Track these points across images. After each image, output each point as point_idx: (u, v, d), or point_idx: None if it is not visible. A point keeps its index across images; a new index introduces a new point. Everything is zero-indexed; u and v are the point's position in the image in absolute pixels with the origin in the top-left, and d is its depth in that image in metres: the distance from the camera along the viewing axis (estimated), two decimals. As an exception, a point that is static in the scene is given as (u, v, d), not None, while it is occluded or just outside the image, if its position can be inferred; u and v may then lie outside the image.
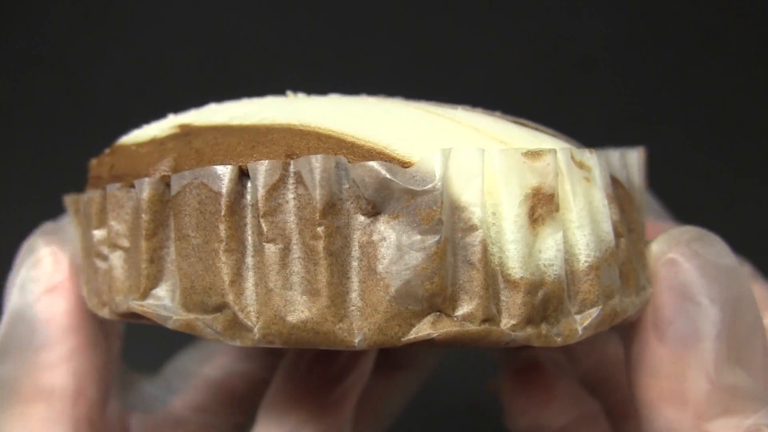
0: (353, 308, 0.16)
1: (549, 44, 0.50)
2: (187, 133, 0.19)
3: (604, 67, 0.49)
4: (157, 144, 0.19)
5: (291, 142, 0.17)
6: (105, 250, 0.19)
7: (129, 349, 0.26)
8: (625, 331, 0.20)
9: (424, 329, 0.16)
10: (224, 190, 0.17)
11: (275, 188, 0.17)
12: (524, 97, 0.48)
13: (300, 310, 0.16)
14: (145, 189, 0.18)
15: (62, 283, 0.20)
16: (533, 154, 0.17)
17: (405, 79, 0.48)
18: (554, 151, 0.17)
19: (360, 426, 0.25)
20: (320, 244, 0.16)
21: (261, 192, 0.17)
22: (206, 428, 0.26)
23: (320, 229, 0.16)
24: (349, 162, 0.16)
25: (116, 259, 0.19)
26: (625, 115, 0.48)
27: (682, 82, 0.49)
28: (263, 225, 0.17)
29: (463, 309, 0.16)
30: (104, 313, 0.19)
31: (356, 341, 0.16)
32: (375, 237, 0.16)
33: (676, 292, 0.18)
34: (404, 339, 0.16)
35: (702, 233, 0.19)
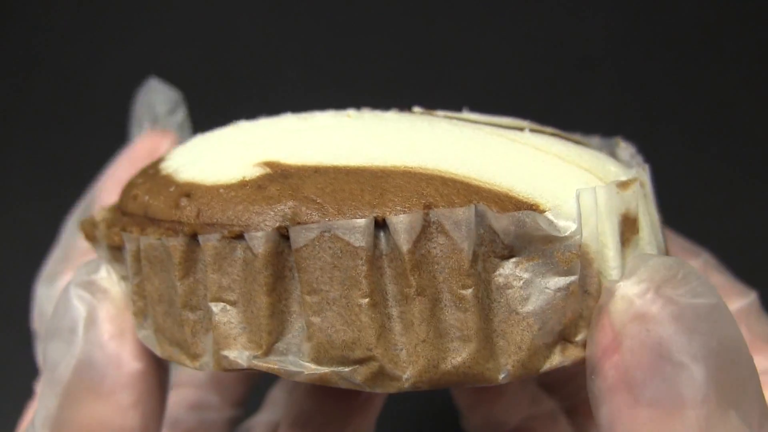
0: (498, 348, 0.17)
1: (549, 44, 0.50)
2: (284, 174, 0.18)
3: (604, 67, 0.49)
4: (253, 188, 0.18)
5: (419, 189, 0.17)
6: (200, 302, 0.18)
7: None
8: (591, 387, 0.17)
9: (556, 359, 0.18)
10: (365, 244, 0.17)
11: (419, 240, 0.17)
12: (524, 96, 0.48)
13: (453, 357, 0.17)
14: (262, 243, 0.17)
15: (130, 327, 0.20)
16: (624, 185, 0.18)
17: (406, 79, 0.48)
18: (637, 180, 0.19)
19: None
20: (470, 293, 0.17)
21: (406, 246, 0.17)
22: (200, 425, 0.26)
23: (470, 280, 0.17)
24: (486, 210, 0.17)
25: (224, 313, 0.18)
26: (625, 115, 0.48)
27: (682, 82, 0.49)
28: (411, 278, 0.17)
29: (581, 335, 0.18)
30: (195, 365, 0.18)
31: (501, 377, 0.17)
32: (512, 280, 0.17)
33: (652, 350, 0.16)
34: (541, 370, 0.17)
35: (672, 268, 0.16)
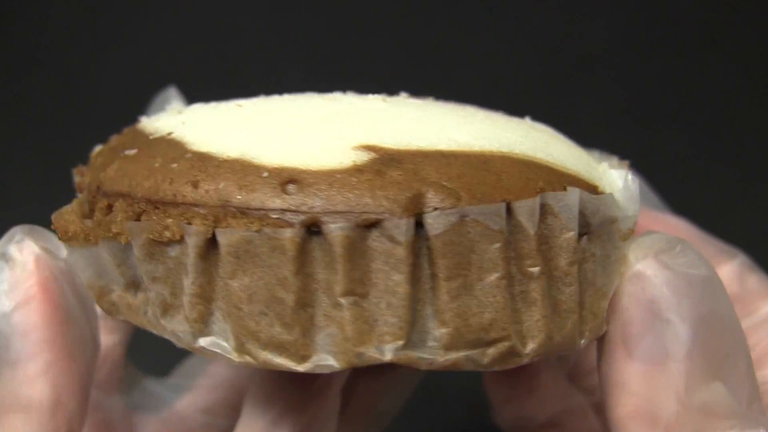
0: (582, 318, 0.19)
1: (549, 44, 0.50)
2: (393, 158, 0.18)
3: (604, 67, 0.49)
4: (372, 173, 0.17)
5: (524, 173, 0.18)
6: (314, 298, 0.17)
7: (138, 352, 0.26)
8: (597, 343, 0.19)
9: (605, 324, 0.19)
10: (503, 227, 0.17)
11: (539, 222, 0.18)
12: (524, 96, 0.48)
13: (561, 329, 0.18)
14: (403, 231, 0.17)
15: (38, 294, 0.19)
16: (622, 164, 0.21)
17: (405, 78, 0.48)
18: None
19: (356, 425, 0.25)
20: (574, 269, 0.18)
21: (533, 229, 0.18)
22: (212, 429, 0.26)
23: (575, 257, 0.18)
24: (582, 193, 0.18)
25: (355, 307, 0.17)
26: (625, 115, 0.48)
27: (682, 82, 0.49)
28: (536, 258, 0.18)
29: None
30: (303, 367, 0.17)
31: (581, 343, 0.19)
32: (588, 255, 0.19)
33: (645, 308, 0.18)
34: (600, 335, 0.19)
35: (673, 241, 0.18)
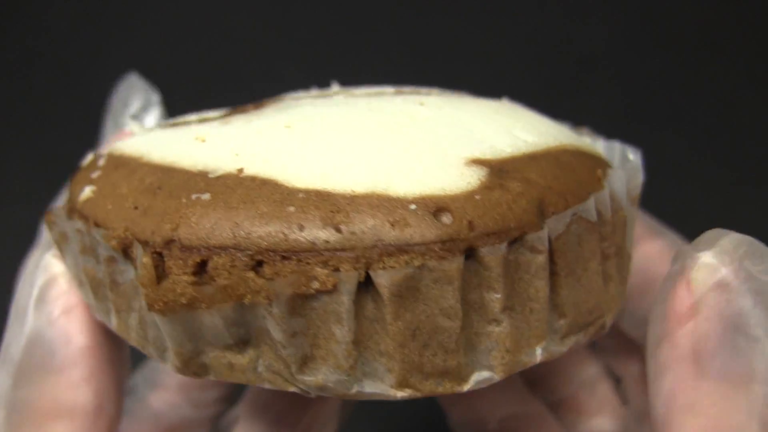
0: (615, 296, 0.20)
1: (550, 44, 0.50)
2: (501, 169, 0.18)
3: (604, 67, 0.49)
4: (498, 189, 0.17)
5: (584, 163, 0.20)
6: (471, 319, 0.17)
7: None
8: (654, 358, 0.17)
9: None
10: (597, 218, 0.19)
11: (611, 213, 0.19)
12: (524, 96, 0.48)
13: (623, 298, 0.20)
14: (545, 240, 0.17)
15: (79, 303, 0.20)
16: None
17: (405, 78, 0.48)
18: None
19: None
20: (628, 242, 0.20)
21: (609, 214, 0.19)
22: (183, 422, 0.26)
23: (626, 229, 0.20)
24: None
25: (511, 319, 0.17)
26: (625, 115, 0.48)
27: (682, 82, 0.49)
28: (612, 238, 0.19)
29: None
30: (464, 388, 0.17)
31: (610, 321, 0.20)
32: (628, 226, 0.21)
33: (727, 322, 0.15)
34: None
35: (754, 246, 0.16)
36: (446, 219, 0.17)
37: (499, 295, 0.17)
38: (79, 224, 0.19)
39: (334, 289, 0.16)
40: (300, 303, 0.16)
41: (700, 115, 0.48)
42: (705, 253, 0.16)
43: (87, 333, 0.20)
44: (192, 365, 0.18)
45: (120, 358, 0.21)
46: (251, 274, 0.16)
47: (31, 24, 0.52)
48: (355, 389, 0.17)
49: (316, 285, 0.16)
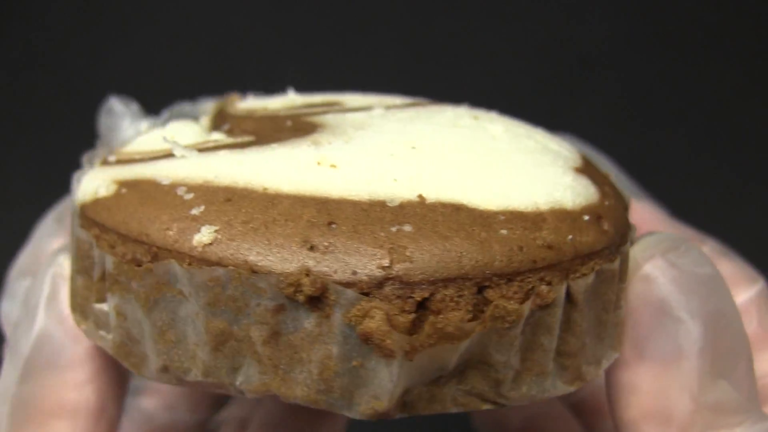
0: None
1: (549, 44, 0.50)
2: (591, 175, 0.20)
3: (604, 67, 0.49)
4: (605, 194, 0.19)
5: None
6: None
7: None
8: None
9: None
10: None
11: None
12: (524, 96, 0.48)
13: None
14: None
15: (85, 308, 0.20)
16: None
17: (405, 78, 0.48)
18: None
19: None
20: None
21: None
22: (176, 424, 0.26)
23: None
24: None
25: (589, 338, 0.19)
26: (625, 115, 0.48)
27: (682, 82, 0.49)
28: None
29: None
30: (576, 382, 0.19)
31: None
32: None
33: (654, 307, 0.18)
34: None
35: (678, 241, 0.18)
36: (605, 226, 0.18)
37: (623, 285, 0.19)
38: (218, 272, 0.16)
39: (552, 303, 0.17)
40: (522, 322, 0.17)
41: (700, 115, 0.48)
42: (632, 249, 0.18)
43: None
44: (398, 407, 0.17)
45: (125, 368, 0.21)
46: (469, 307, 0.16)
47: (32, 25, 0.52)
48: (548, 392, 0.18)
49: (538, 301, 0.17)
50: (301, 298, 0.16)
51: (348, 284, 0.16)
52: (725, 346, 0.17)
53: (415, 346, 0.16)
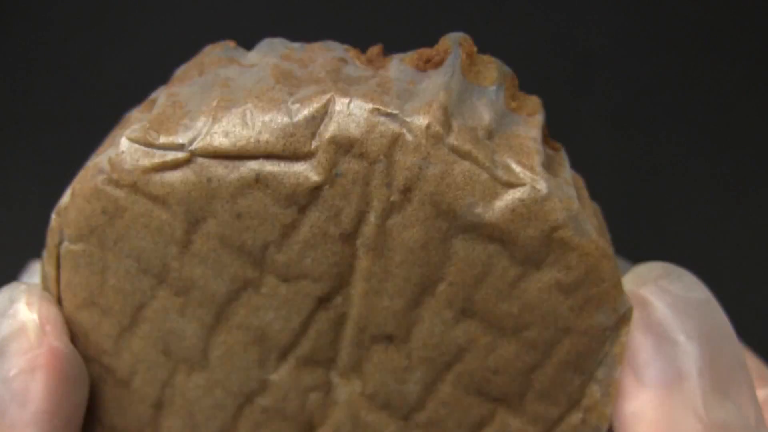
0: None
1: (550, 43, 0.50)
2: None
3: (604, 67, 0.49)
4: None
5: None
6: None
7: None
8: None
9: None
10: None
11: None
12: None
13: None
14: None
15: (46, 363, 0.18)
16: None
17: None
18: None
19: None
20: None
21: None
22: None
23: None
24: None
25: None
26: (625, 115, 0.48)
27: (682, 82, 0.49)
28: None
29: None
30: None
31: None
32: None
33: (652, 333, 0.17)
34: None
35: (668, 269, 0.18)
36: None
37: None
38: None
39: None
40: None
41: (700, 115, 0.48)
42: (624, 278, 0.19)
43: (48, 397, 0.18)
44: None
45: (78, 417, 0.19)
46: None
47: (32, 24, 0.52)
48: None
49: None
50: None
51: None
52: (725, 366, 0.17)
53: None
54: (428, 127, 0.15)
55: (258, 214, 0.15)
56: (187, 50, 0.51)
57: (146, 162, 0.15)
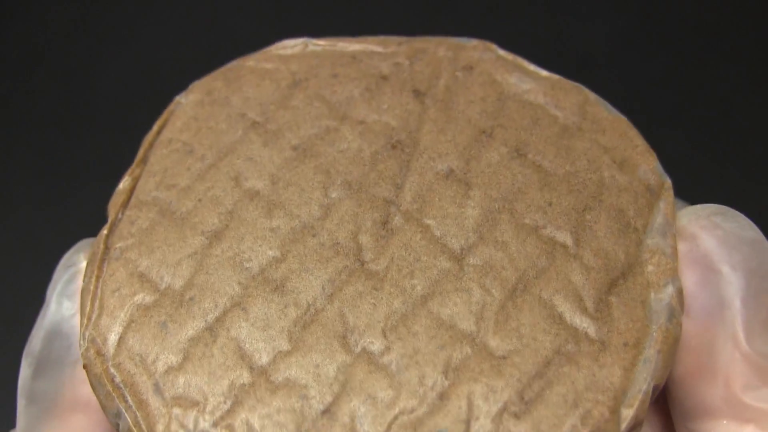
0: None
1: (550, 43, 0.50)
2: None
3: (604, 67, 0.49)
4: None
5: None
6: None
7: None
8: None
9: None
10: None
11: None
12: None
13: None
14: None
15: None
16: None
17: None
18: None
19: None
20: None
21: None
22: None
23: None
24: None
25: None
26: (626, 115, 0.48)
27: (682, 82, 0.49)
28: None
29: None
30: None
31: None
32: None
33: (698, 264, 0.17)
34: None
35: (724, 209, 0.18)
36: None
37: None
38: None
39: None
40: None
41: (700, 115, 0.48)
42: (679, 214, 0.18)
43: None
44: None
45: None
46: None
47: (31, 25, 0.52)
48: None
49: None
50: None
51: None
52: None
53: None
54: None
55: (349, 76, 0.19)
56: (188, 50, 0.51)
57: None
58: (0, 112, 0.50)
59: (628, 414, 0.16)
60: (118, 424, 0.17)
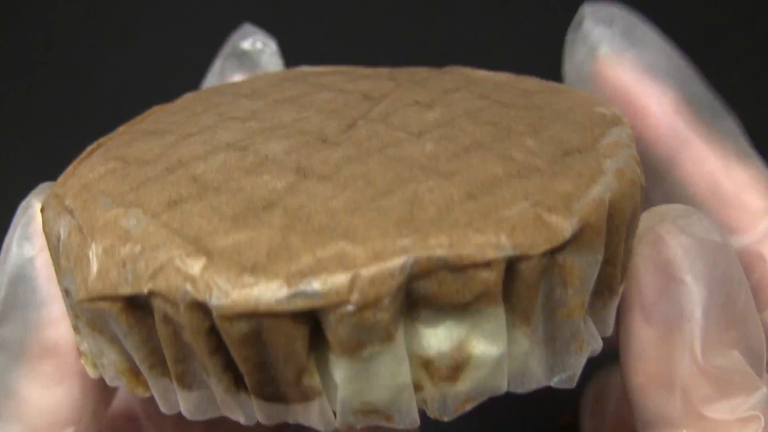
0: None
1: (550, 44, 0.50)
2: None
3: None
4: None
5: None
6: None
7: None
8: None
9: None
10: None
11: None
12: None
13: None
14: None
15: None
16: None
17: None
18: None
19: None
20: None
21: None
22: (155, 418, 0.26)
23: None
24: None
25: None
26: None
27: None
28: None
29: None
30: None
31: None
32: None
33: (660, 272, 0.17)
34: None
35: (689, 210, 0.18)
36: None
37: None
38: None
39: None
40: None
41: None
42: (643, 215, 0.18)
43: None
44: None
45: None
46: None
47: (31, 25, 0.52)
48: None
49: None
50: None
51: None
52: (733, 314, 0.17)
53: None
54: None
55: (332, 74, 0.22)
56: (188, 51, 0.51)
57: None
58: (0, 112, 0.50)
59: (578, 210, 0.15)
60: (66, 283, 0.17)
